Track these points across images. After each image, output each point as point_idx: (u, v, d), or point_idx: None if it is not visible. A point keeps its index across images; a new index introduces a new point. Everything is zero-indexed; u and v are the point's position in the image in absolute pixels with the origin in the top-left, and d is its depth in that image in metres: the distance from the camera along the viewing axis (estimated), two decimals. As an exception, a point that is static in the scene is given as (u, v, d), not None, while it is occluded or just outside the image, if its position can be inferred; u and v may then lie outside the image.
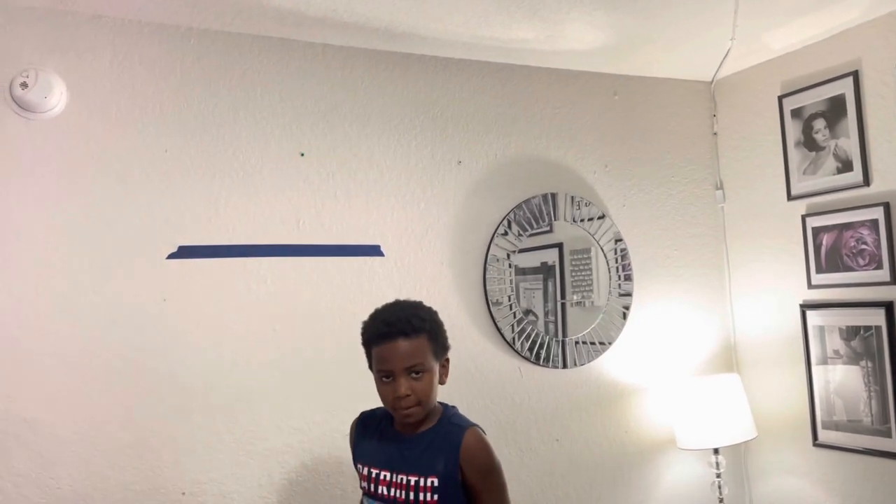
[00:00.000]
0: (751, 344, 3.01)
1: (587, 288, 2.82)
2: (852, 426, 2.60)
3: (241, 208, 2.32)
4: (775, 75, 2.86)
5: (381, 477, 1.74)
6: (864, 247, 2.55)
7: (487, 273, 2.65)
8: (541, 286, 2.75)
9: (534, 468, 2.68)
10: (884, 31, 2.49)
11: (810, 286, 2.73)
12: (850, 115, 2.58)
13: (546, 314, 2.75)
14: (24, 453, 2.02)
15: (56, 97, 2.09)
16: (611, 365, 2.84)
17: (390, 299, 1.82)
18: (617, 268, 2.87)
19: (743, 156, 3.02)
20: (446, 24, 2.38)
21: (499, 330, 2.65)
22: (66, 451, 2.06)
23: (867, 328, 2.54)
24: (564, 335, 2.76)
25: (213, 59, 2.33)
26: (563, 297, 2.78)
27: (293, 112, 2.42)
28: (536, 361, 2.70)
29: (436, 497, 1.67)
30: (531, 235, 2.73)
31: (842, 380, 2.63)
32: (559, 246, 2.80)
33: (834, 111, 2.64)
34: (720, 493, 2.75)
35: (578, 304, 2.81)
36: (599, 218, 2.85)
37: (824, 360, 2.69)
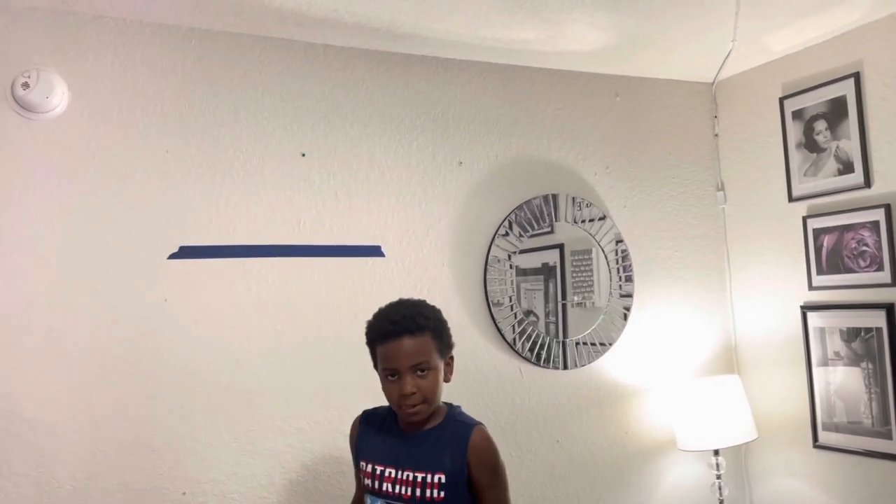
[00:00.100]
0: (751, 345, 3.01)
1: (588, 289, 2.82)
2: (853, 428, 2.59)
3: (242, 208, 2.32)
4: (776, 77, 2.86)
5: (387, 474, 1.75)
6: (864, 248, 2.55)
7: (488, 274, 2.65)
8: (542, 287, 2.75)
9: (534, 469, 2.68)
10: (885, 33, 2.49)
11: (811, 288, 2.73)
12: (851, 116, 2.58)
13: (547, 315, 2.75)
14: (24, 453, 2.02)
15: (57, 97, 2.10)
16: (611, 366, 2.84)
17: (391, 300, 1.82)
18: (618, 269, 2.87)
19: (744, 157, 3.02)
20: (448, 25, 2.38)
21: (499, 331, 2.65)
22: (66, 450, 2.07)
23: (868, 330, 2.54)
24: (565, 336, 2.76)
25: (214, 59, 2.33)
26: (563, 297, 2.78)
27: (294, 112, 2.42)
28: (537, 362, 2.70)
29: (442, 494, 1.68)
30: (532, 236, 2.73)
31: (842, 381, 2.63)
32: (560, 247, 2.80)
33: (835, 113, 2.64)
34: (720, 495, 2.74)
35: (579, 304, 2.81)
36: (600, 219, 2.85)
37: (825, 362, 2.69)
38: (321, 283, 2.41)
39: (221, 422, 2.24)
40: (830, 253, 2.66)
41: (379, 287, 2.46)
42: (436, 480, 1.69)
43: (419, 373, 1.69)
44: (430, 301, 1.83)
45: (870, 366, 2.54)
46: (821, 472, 2.73)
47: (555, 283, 2.77)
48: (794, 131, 2.79)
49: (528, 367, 2.70)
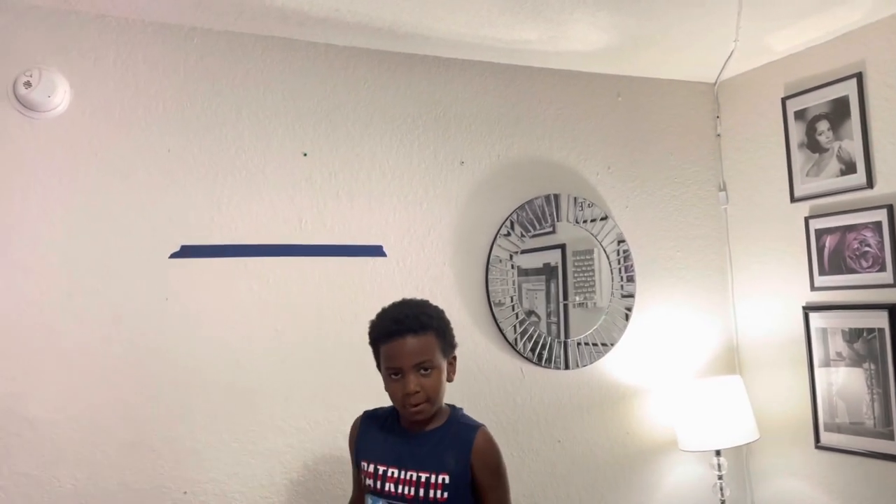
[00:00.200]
0: (753, 346, 3.01)
1: (589, 289, 2.82)
2: (855, 429, 2.59)
3: (243, 208, 2.32)
4: (779, 77, 2.86)
5: (389, 474, 1.74)
6: (867, 249, 2.54)
7: (490, 274, 2.64)
8: (543, 287, 2.75)
9: (535, 469, 2.67)
10: (887, 33, 2.49)
11: (813, 288, 2.73)
12: (853, 116, 2.57)
13: (548, 315, 2.74)
14: (25, 452, 2.02)
15: (59, 96, 2.10)
16: (613, 366, 2.84)
17: (392, 300, 1.83)
18: (619, 269, 2.87)
19: (746, 157, 3.02)
20: (449, 25, 2.38)
21: (501, 331, 2.64)
22: (67, 450, 2.07)
23: (870, 330, 2.53)
24: (567, 336, 2.76)
25: (216, 58, 2.33)
26: (565, 298, 2.78)
27: (296, 112, 2.42)
28: (538, 362, 2.69)
29: (446, 494, 1.68)
30: (534, 236, 2.73)
31: (844, 382, 2.63)
32: (562, 247, 2.80)
33: (837, 113, 2.63)
34: (722, 495, 2.74)
35: (581, 305, 2.81)
36: (602, 219, 2.85)
37: (827, 363, 2.68)
38: (322, 282, 2.40)
39: (222, 421, 2.24)
40: (832, 253, 2.66)
41: (380, 287, 2.46)
42: (439, 481, 1.69)
43: (423, 372, 1.69)
44: (432, 301, 1.84)
45: (872, 366, 2.53)
46: (822, 473, 2.73)
47: (556, 283, 2.77)
48: (797, 131, 2.78)
49: (530, 367, 2.69)
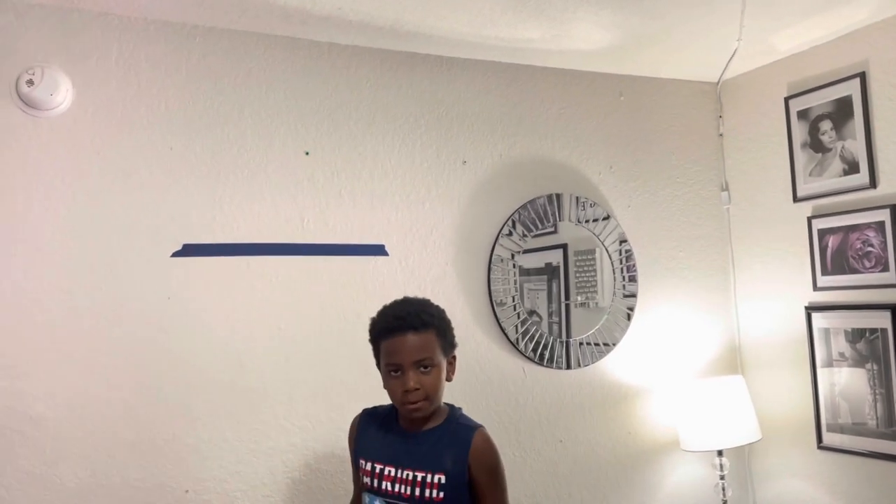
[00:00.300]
0: (755, 346, 3.00)
1: (591, 289, 2.82)
2: (857, 429, 2.59)
3: (245, 207, 2.32)
4: (782, 76, 2.85)
5: (386, 472, 1.75)
6: (870, 249, 2.54)
7: (492, 273, 2.64)
8: (545, 287, 2.75)
9: (537, 469, 2.67)
10: (891, 33, 2.48)
11: (816, 288, 2.72)
12: (856, 116, 2.57)
13: (550, 315, 2.74)
14: (28, 450, 2.02)
15: (62, 94, 2.10)
16: (615, 366, 2.84)
17: (394, 299, 1.83)
18: (621, 269, 2.86)
19: (749, 157, 3.01)
20: (452, 24, 2.38)
21: (503, 330, 2.64)
22: (70, 448, 2.07)
23: (873, 331, 2.53)
24: (568, 336, 2.76)
25: (218, 57, 2.33)
26: (567, 297, 2.77)
27: (298, 111, 2.42)
28: (540, 362, 2.69)
29: (442, 494, 1.68)
30: (536, 236, 2.73)
31: (847, 382, 2.62)
32: (564, 247, 2.80)
33: (840, 113, 2.63)
34: (724, 496, 2.74)
35: (582, 304, 2.80)
36: (604, 219, 2.85)
37: (829, 363, 2.68)
38: (324, 281, 2.40)
39: (224, 420, 2.24)
40: (835, 253, 2.65)
41: (382, 286, 2.45)
42: (435, 480, 1.69)
43: (422, 369, 1.70)
44: (434, 300, 1.84)
45: (874, 367, 2.53)
46: (825, 474, 2.72)
47: (558, 282, 2.77)
48: (800, 131, 2.78)
49: (532, 366, 2.69)
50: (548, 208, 2.75)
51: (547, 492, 2.68)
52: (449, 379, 1.78)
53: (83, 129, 2.15)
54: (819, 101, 2.70)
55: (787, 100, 2.82)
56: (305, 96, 2.43)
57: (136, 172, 2.20)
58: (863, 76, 2.55)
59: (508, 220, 2.68)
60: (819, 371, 2.71)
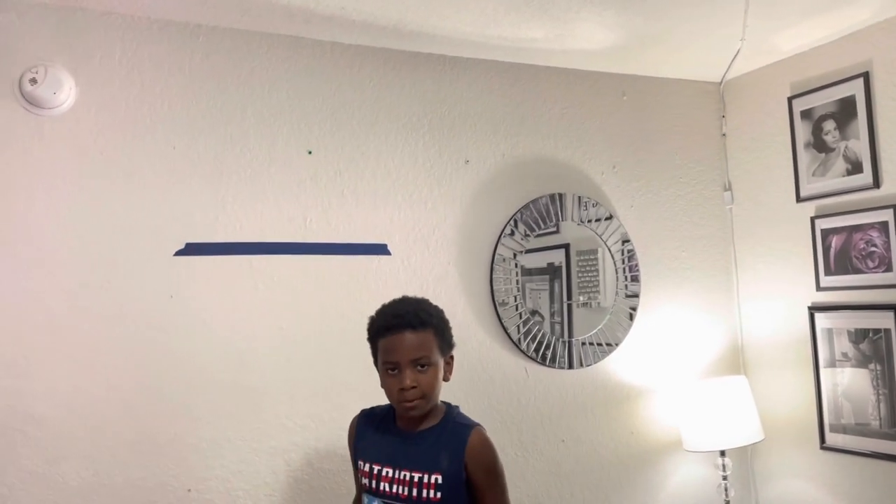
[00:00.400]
0: (758, 346, 3.00)
1: (594, 289, 2.81)
2: (860, 429, 2.58)
3: (248, 206, 2.32)
4: (785, 76, 2.85)
5: (384, 473, 1.75)
6: (873, 249, 2.53)
7: (494, 273, 2.64)
8: (547, 287, 2.75)
9: (539, 468, 2.67)
10: (894, 32, 2.47)
11: (819, 288, 2.72)
12: (860, 116, 2.57)
13: (552, 315, 2.74)
14: (30, 449, 2.02)
15: (65, 93, 2.10)
16: (617, 366, 2.84)
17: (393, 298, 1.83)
18: (624, 269, 2.86)
19: (752, 157, 3.01)
20: (455, 23, 2.38)
21: (505, 330, 2.64)
22: (72, 447, 2.07)
23: (876, 331, 2.53)
24: (570, 336, 2.75)
25: (221, 56, 2.33)
26: (569, 297, 2.77)
27: (301, 110, 2.42)
28: (542, 362, 2.69)
29: (439, 494, 1.68)
30: (538, 236, 2.72)
31: (850, 383, 2.62)
32: (566, 246, 2.80)
33: (844, 112, 2.63)
34: (726, 496, 2.73)
35: (585, 304, 2.80)
36: (607, 219, 2.84)
37: (832, 363, 2.68)
38: (327, 281, 2.40)
39: (226, 419, 2.24)
40: (838, 254, 2.65)
41: (384, 285, 2.45)
42: (432, 481, 1.69)
43: (419, 368, 1.70)
44: (436, 300, 1.85)
45: (878, 367, 2.53)
46: (828, 474, 2.72)
47: (560, 282, 2.76)
48: (803, 131, 2.77)
49: (534, 366, 2.69)
50: (550, 208, 2.75)
51: (549, 492, 2.68)
52: (446, 379, 1.77)
53: (86, 127, 2.15)
54: (822, 101, 2.70)
55: (790, 100, 2.81)
56: (308, 96, 2.43)
57: (139, 171, 2.20)
58: (866, 76, 2.54)
59: (511, 219, 2.68)
60: (822, 371, 2.70)
